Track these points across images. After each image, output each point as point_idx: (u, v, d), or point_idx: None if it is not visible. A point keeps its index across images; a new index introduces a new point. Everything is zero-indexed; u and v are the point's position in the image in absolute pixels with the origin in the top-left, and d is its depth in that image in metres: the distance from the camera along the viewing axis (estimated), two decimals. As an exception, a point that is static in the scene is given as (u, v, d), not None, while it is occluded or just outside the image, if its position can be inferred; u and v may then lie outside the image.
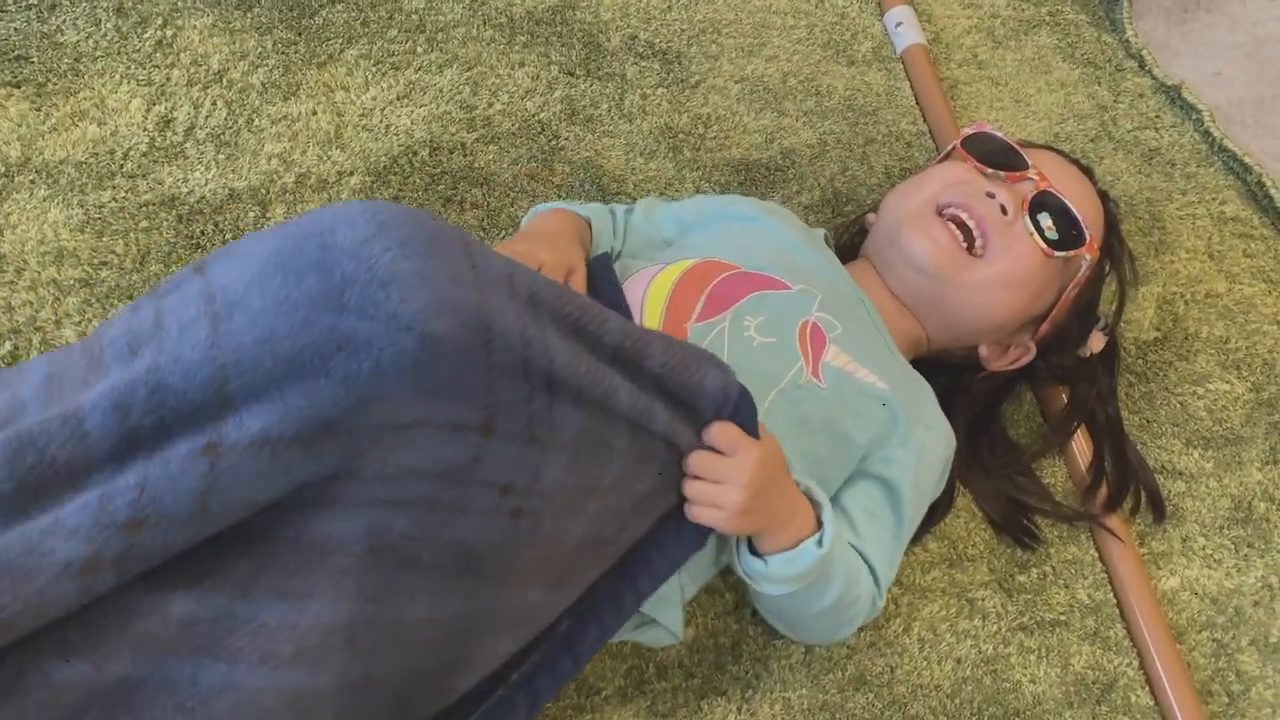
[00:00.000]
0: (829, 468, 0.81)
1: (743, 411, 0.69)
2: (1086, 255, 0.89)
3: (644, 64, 1.17)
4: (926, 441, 0.84)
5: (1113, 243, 0.95)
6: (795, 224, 0.95)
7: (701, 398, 0.67)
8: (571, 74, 1.14)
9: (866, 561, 0.79)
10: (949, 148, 0.95)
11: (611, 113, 1.12)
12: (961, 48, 1.29)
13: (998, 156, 0.91)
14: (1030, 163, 0.90)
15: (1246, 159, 1.21)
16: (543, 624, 0.70)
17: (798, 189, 1.11)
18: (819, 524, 0.74)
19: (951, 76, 1.26)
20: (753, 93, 1.18)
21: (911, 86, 1.23)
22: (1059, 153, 0.97)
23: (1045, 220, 0.88)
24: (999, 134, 0.93)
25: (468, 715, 0.69)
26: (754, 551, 0.75)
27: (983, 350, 0.93)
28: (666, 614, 0.76)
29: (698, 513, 0.70)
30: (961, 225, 0.87)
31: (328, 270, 0.52)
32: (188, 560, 0.53)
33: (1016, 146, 0.92)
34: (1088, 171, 0.97)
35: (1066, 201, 0.89)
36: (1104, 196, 0.96)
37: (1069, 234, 0.89)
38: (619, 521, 0.68)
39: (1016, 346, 0.93)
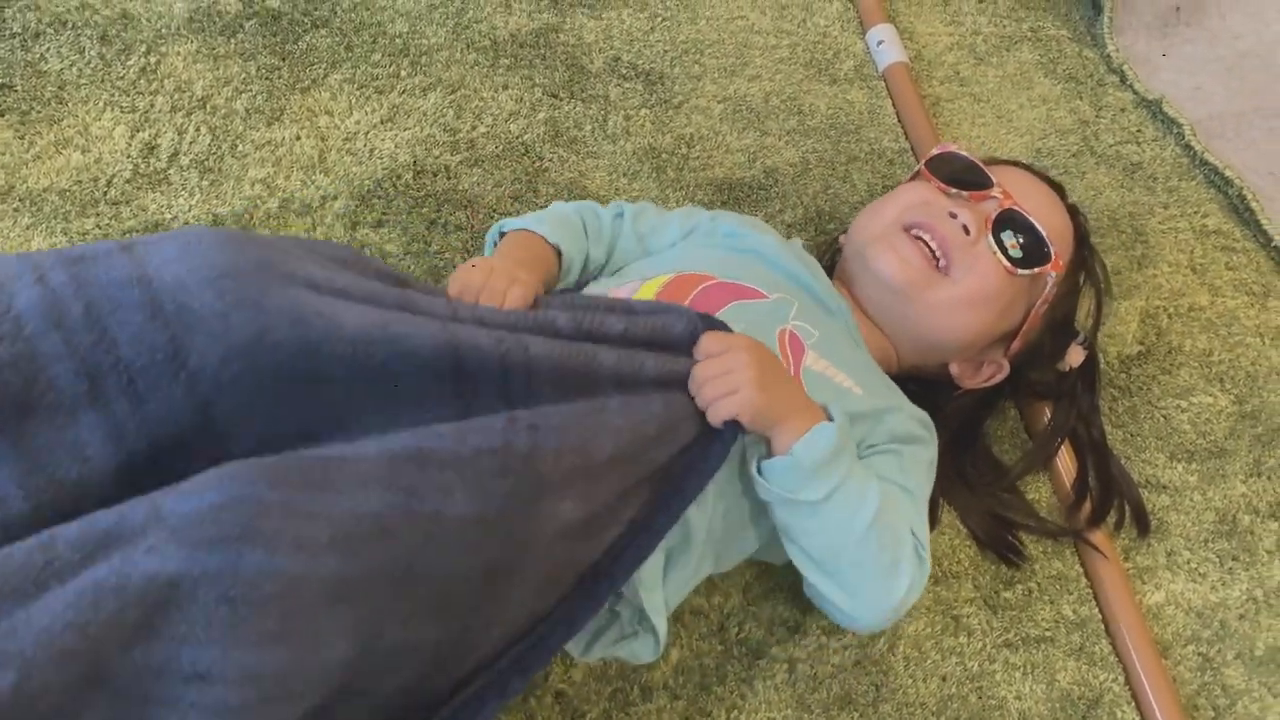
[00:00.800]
0: None
1: (716, 328, 0.75)
2: (1052, 272, 0.89)
3: (627, 85, 1.18)
4: (909, 440, 0.84)
5: (1084, 256, 0.95)
6: (773, 234, 0.96)
7: (673, 342, 0.74)
8: (555, 96, 1.15)
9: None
10: (915, 169, 0.96)
11: (595, 134, 1.13)
12: (943, 65, 1.30)
13: (962, 176, 0.91)
14: (995, 181, 0.90)
15: (1228, 172, 1.21)
16: (574, 570, 0.71)
17: (780, 207, 1.12)
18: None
19: (934, 94, 1.27)
20: (735, 112, 1.18)
21: (894, 104, 1.23)
22: (1027, 168, 0.97)
23: (1009, 238, 0.88)
24: (964, 153, 0.94)
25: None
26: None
27: (954, 368, 0.93)
28: (654, 620, 0.75)
29: (719, 406, 0.72)
30: (926, 245, 0.88)
31: None
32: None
33: (981, 165, 0.92)
34: (1058, 187, 0.97)
35: (1031, 219, 0.89)
36: (1074, 211, 0.96)
37: (1033, 251, 0.89)
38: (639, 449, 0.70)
39: (989, 364, 0.93)
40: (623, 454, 0.69)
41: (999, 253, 0.87)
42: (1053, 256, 0.89)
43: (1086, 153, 1.24)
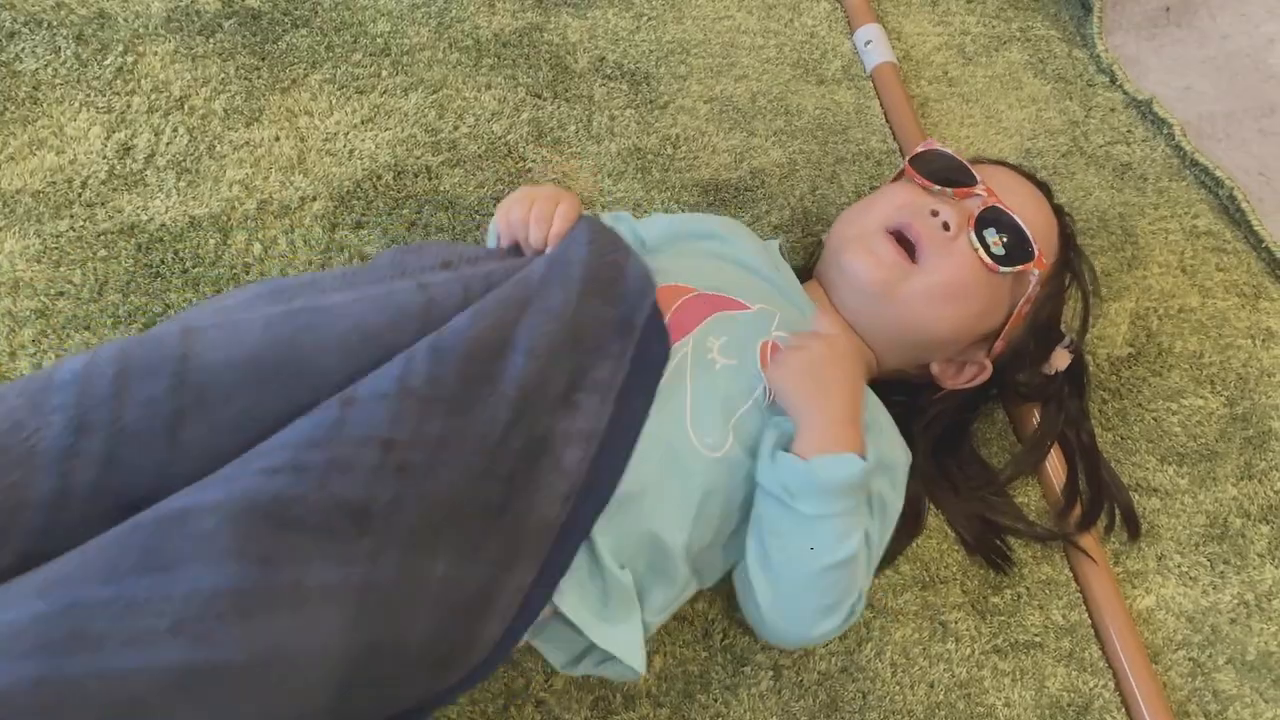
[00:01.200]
0: None
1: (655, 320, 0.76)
2: (1035, 271, 0.88)
3: (612, 85, 1.16)
4: (882, 456, 0.83)
5: (1070, 257, 0.94)
6: (752, 240, 0.95)
7: (624, 283, 0.75)
8: (539, 96, 1.14)
9: None
10: (899, 169, 0.94)
11: (579, 134, 1.12)
12: (932, 65, 1.29)
13: (945, 173, 0.90)
14: (979, 179, 0.89)
15: (1218, 173, 1.20)
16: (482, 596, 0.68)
17: (767, 208, 1.10)
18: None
19: (922, 94, 1.26)
20: (722, 113, 1.17)
21: (881, 105, 1.22)
22: (1013, 168, 0.96)
23: (991, 236, 0.86)
24: (948, 150, 0.92)
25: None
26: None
27: (935, 368, 0.92)
28: (629, 652, 0.73)
29: (771, 366, 0.78)
30: (903, 240, 0.87)
31: None
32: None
33: (965, 163, 0.91)
34: (1044, 187, 0.95)
35: (1015, 216, 0.87)
36: (1060, 211, 0.95)
37: (1016, 249, 0.87)
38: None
39: (972, 364, 0.92)
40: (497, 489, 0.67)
41: (981, 250, 0.86)
42: (1036, 254, 0.87)
43: (1076, 153, 1.23)
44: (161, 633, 0.54)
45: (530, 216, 0.79)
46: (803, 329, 0.86)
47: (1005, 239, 0.87)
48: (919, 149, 0.93)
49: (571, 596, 0.72)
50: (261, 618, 0.56)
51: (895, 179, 0.95)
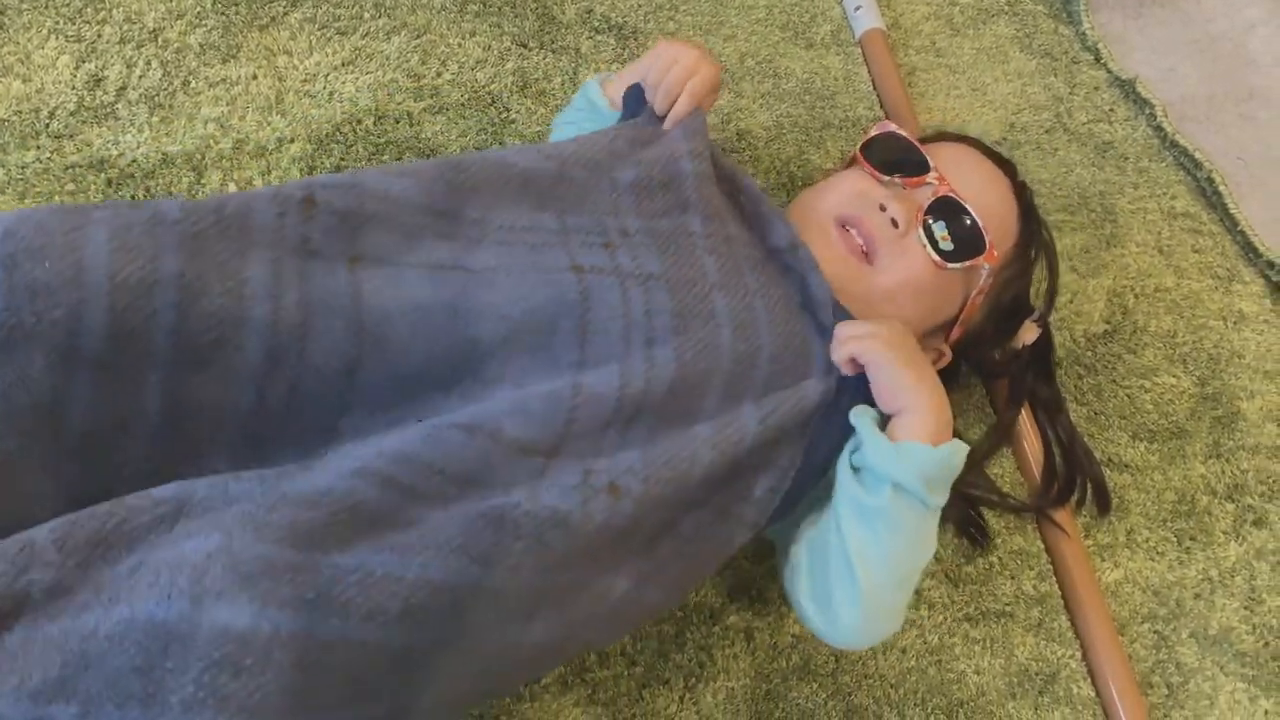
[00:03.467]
0: None
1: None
2: (986, 264, 0.86)
3: (599, 38, 1.14)
4: None
5: (1031, 233, 0.91)
6: None
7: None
8: (524, 46, 1.11)
9: None
10: (850, 154, 0.92)
11: (565, 87, 1.09)
12: (920, 34, 1.28)
13: (897, 161, 0.87)
14: (932, 165, 0.86)
15: (1197, 155, 1.21)
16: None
17: (753, 172, 1.09)
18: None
19: (909, 63, 1.25)
20: (709, 72, 1.15)
21: (869, 72, 1.21)
22: (974, 144, 0.94)
23: (940, 230, 0.84)
24: (901, 133, 0.89)
25: None
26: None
27: None
28: None
29: (851, 345, 0.74)
30: (855, 239, 0.85)
31: None
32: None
33: (919, 147, 0.88)
34: (1006, 164, 0.93)
35: (967, 205, 0.84)
36: (1021, 189, 0.92)
37: (966, 243, 0.85)
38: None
39: (930, 350, 0.90)
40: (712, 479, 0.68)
41: (928, 246, 0.84)
42: (987, 247, 0.85)
43: (1059, 129, 1.23)
44: (393, 616, 0.55)
45: (661, 81, 0.83)
46: None
47: (954, 232, 0.84)
48: (872, 133, 0.90)
49: None
50: (470, 614, 0.58)
51: (848, 165, 0.93)
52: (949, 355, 0.91)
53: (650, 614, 0.76)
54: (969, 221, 0.85)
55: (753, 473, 0.71)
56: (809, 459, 0.73)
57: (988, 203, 0.86)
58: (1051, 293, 0.96)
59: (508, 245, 0.71)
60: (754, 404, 0.71)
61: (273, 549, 0.53)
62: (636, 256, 0.73)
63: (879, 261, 0.84)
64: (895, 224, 0.84)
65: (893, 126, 0.91)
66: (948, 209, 0.85)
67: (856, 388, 0.75)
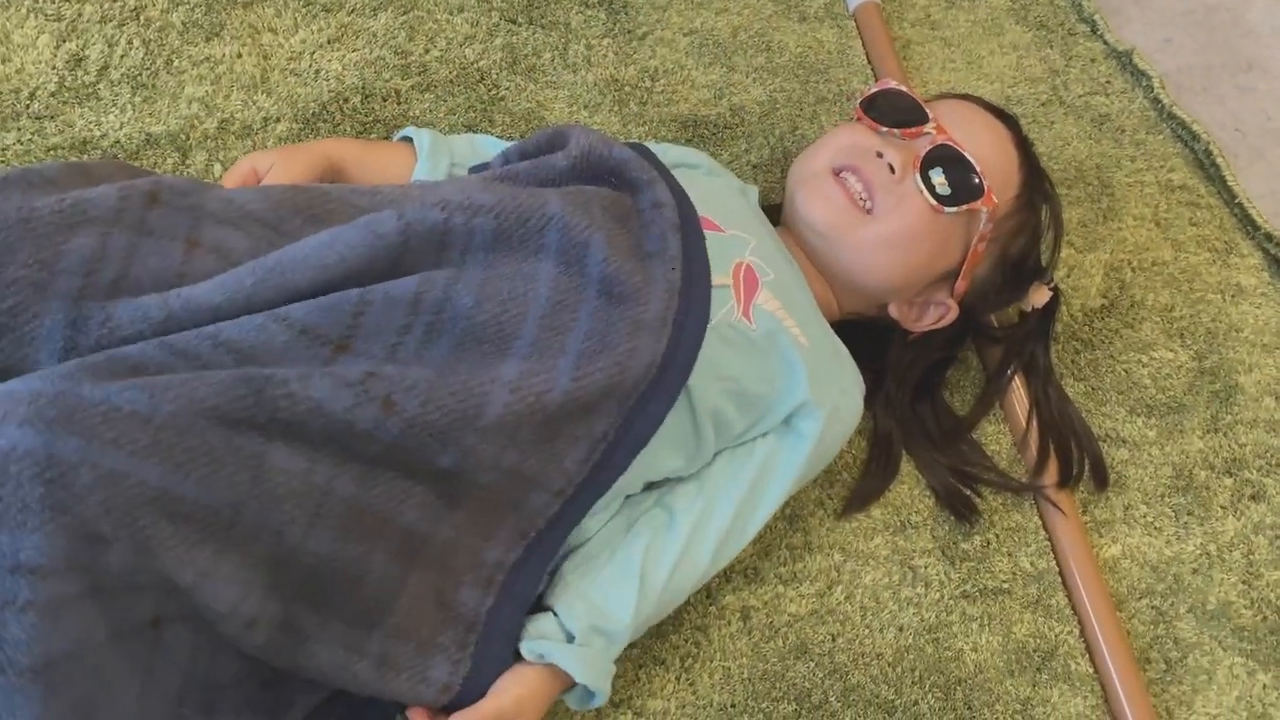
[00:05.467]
0: (734, 417, 0.79)
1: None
2: (984, 208, 0.86)
3: (589, 13, 1.12)
4: (837, 409, 0.82)
5: (1034, 188, 0.91)
6: (732, 178, 0.93)
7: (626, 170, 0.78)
8: (513, 21, 1.09)
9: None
10: (854, 106, 0.92)
11: (555, 63, 1.08)
12: (915, 7, 1.27)
13: (895, 113, 0.88)
14: (930, 115, 0.87)
15: (1195, 127, 1.20)
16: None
17: (746, 147, 1.08)
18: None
19: (904, 36, 1.24)
20: (702, 46, 1.14)
21: (864, 45, 1.20)
22: (978, 101, 0.93)
23: (937, 176, 0.84)
24: (901, 89, 0.90)
25: None
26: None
27: (893, 310, 0.90)
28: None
29: None
30: (853, 186, 0.85)
31: None
32: None
33: (919, 101, 0.88)
34: (1010, 119, 0.93)
35: (964, 152, 0.85)
36: (1025, 143, 0.92)
37: (963, 187, 0.85)
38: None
39: (936, 305, 0.90)
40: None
41: (925, 191, 0.84)
42: (984, 191, 0.85)
43: (1055, 102, 1.22)
44: (143, 446, 0.54)
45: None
46: (777, 260, 0.84)
47: (951, 178, 0.84)
48: (872, 89, 0.91)
49: None
50: (219, 471, 0.57)
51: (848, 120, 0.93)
52: (955, 309, 0.90)
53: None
54: (966, 167, 0.85)
55: (563, 437, 0.68)
56: (625, 437, 0.70)
57: (986, 151, 0.87)
58: (1056, 247, 0.95)
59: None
60: (574, 359, 0.68)
61: (37, 383, 0.54)
62: (469, 196, 0.71)
63: (877, 209, 0.84)
64: (892, 170, 0.84)
65: (894, 83, 0.91)
66: (945, 156, 0.85)
67: None
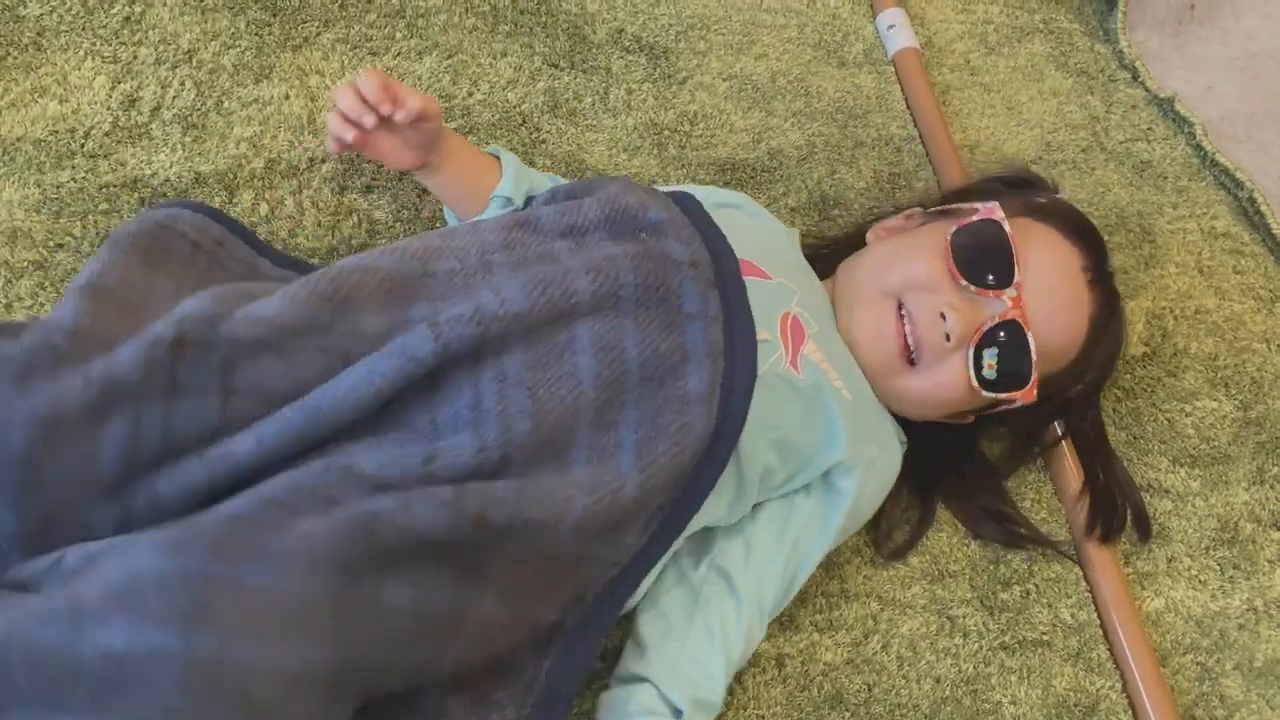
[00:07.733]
0: (776, 465, 0.78)
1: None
2: (1021, 400, 0.84)
3: (630, 58, 1.14)
4: (873, 463, 0.82)
5: (1087, 360, 0.88)
6: (776, 221, 0.93)
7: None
8: (555, 66, 1.11)
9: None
10: (948, 230, 0.84)
11: (595, 106, 1.09)
12: (954, 53, 1.27)
13: (982, 261, 0.82)
14: (1016, 278, 0.81)
15: (1238, 174, 1.19)
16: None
17: (784, 190, 1.08)
18: None
19: (943, 81, 1.24)
20: (741, 91, 1.15)
21: (903, 90, 1.20)
22: (1072, 222, 0.88)
23: (990, 357, 0.81)
24: (1002, 224, 0.83)
25: None
26: None
27: None
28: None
29: None
30: (906, 330, 0.83)
31: None
32: None
33: (1013, 250, 0.82)
34: (1100, 250, 0.87)
35: (1028, 338, 0.81)
36: (1104, 307, 0.87)
37: (1011, 375, 0.82)
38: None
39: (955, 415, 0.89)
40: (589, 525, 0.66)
41: (971, 368, 0.81)
42: (1028, 384, 0.82)
43: (1096, 149, 1.21)
44: (273, 628, 0.54)
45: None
46: (821, 313, 0.84)
47: (1004, 363, 0.82)
48: (974, 216, 0.84)
49: None
50: (345, 626, 0.57)
51: (935, 219, 0.89)
52: (971, 419, 0.90)
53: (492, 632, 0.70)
54: (1023, 353, 0.82)
55: (632, 524, 0.69)
56: (681, 506, 0.71)
57: (1054, 339, 0.83)
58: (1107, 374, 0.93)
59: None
60: (632, 453, 0.68)
61: (159, 560, 0.53)
62: (502, 298, 0.69)
63: (920, 364, 0.83)
64: (948, 338, 0.81)
65: (999, 214, 0.84)
66: (1008, 339, 0.81)
67: None
